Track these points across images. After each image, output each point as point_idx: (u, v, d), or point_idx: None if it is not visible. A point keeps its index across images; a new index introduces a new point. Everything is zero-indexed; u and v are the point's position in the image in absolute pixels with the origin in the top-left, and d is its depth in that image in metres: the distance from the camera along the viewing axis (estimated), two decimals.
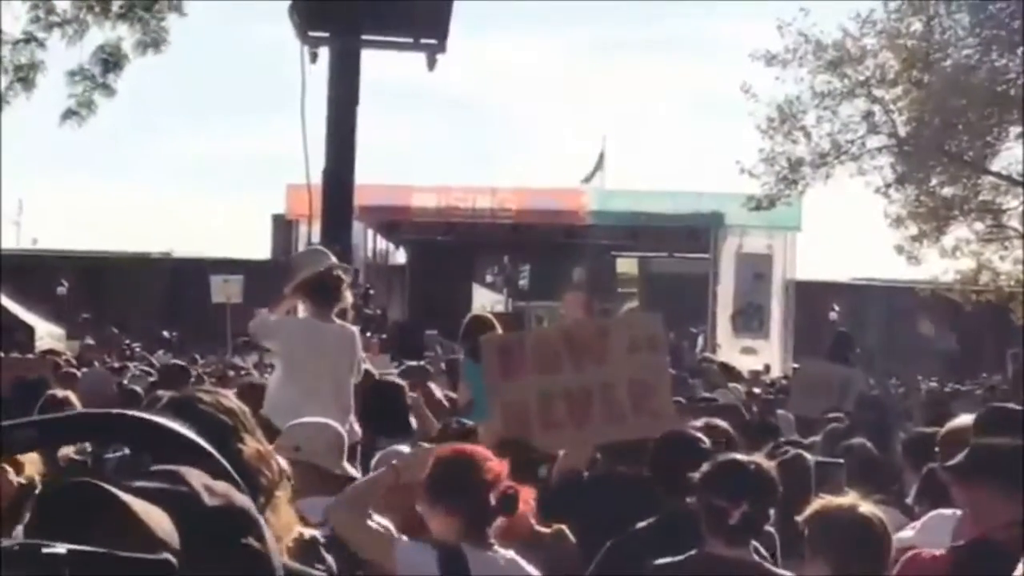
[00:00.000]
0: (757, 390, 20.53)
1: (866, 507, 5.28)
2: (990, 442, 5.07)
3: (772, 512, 5.74)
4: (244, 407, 3.85)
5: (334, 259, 9.94)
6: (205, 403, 3.71)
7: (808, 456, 7.47)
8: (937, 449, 6.11)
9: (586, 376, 7.87)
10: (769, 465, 5.96)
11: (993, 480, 4.98)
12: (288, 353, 9.63)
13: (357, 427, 9.17)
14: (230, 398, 3.90)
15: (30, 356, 20.59)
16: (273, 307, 9.89)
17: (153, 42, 21.17)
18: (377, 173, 36.48)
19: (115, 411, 2.14)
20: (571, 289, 38.26)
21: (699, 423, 7.77)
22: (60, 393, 9.18)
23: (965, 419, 5.88)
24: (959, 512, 5.61)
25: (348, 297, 9.94)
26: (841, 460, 7.14)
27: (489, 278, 47.23)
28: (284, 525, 3.94)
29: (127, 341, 31.97)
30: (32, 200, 58.83)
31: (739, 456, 6.00)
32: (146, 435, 2.06)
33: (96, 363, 20.63)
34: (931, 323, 43.58)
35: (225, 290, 29.55)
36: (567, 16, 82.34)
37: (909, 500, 7.65)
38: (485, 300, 44.40)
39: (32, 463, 5.60)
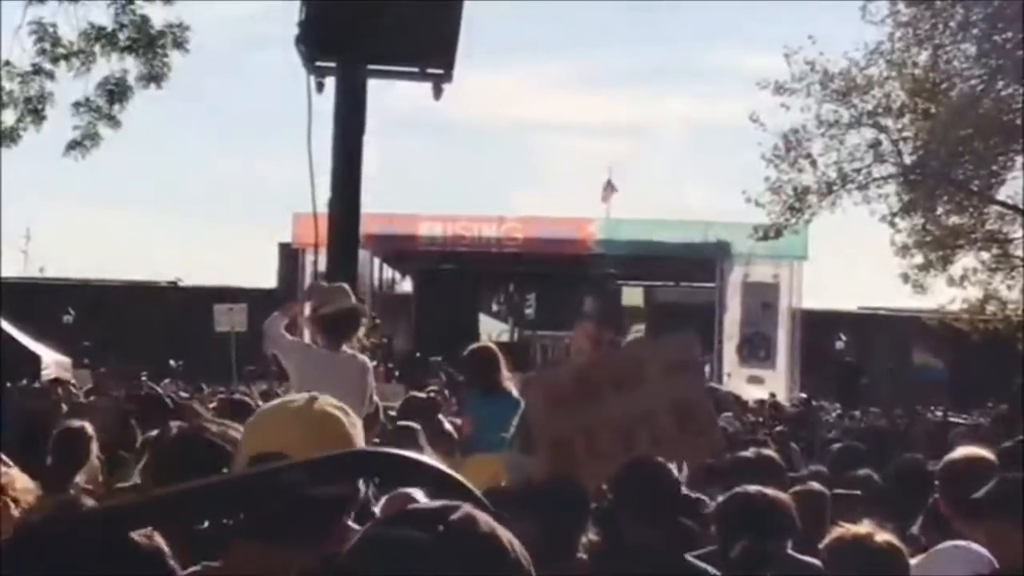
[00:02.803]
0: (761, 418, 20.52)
1: (883, 535, 5.27)
2: (1016, 478, 5.05)
3: (788, 545, 5.73)
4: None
5: (355, 300, 10.01)
6: (212, 434, 3.71)
7: (822, 488, 7.48)
8: (937, 481, 6.09)
9: (628, 404, 7.83)
10: (785, 498, 5.95)
11: (1017, 516, 4.95)
12: (299, 380, 9.64)
13: None
14: (237, 429, 3.89)
15: (36, 385, 20.60)
16: (284, 313, 9.98)
17: (155, 77, 21.28)
18: (384, 202, 36.53)
19: (382, 450, 2.20)
20: (579, 319, 38.32)
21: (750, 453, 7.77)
22: (76, 423, 9.14)
23: (964, 451, 5.87)
24: (972, 545, 5.59)
25: (359, 336, 10.02)
26: (859, 492, 7.14)
27: (495, 307, 47.19)
28: None
29: (139, 372, 31.94)
30: (39, 228, 58.83)
31: (753, 489, 5.99)
32: (416, 474, 2.11)
33: (102, 394, 20.61)
34: (923, 353, 43.49)
35: (229, 319, 29.53)
36: (573, 45, 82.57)
37: (914, 530, 7.63)
38: (491, 329, 44.33)
39: (27, 492, 5.55)
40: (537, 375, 9.31)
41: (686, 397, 7.92)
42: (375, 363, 23.03)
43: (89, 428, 8.85)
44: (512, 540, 2.00)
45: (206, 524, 2.20)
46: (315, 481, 2.24)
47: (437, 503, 2.01)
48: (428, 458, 2.21)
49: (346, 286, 10.39)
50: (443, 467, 2.17)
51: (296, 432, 3.29)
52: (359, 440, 3.34)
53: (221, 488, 2.19)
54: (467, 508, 1.99)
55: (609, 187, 46.21)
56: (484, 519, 1.99)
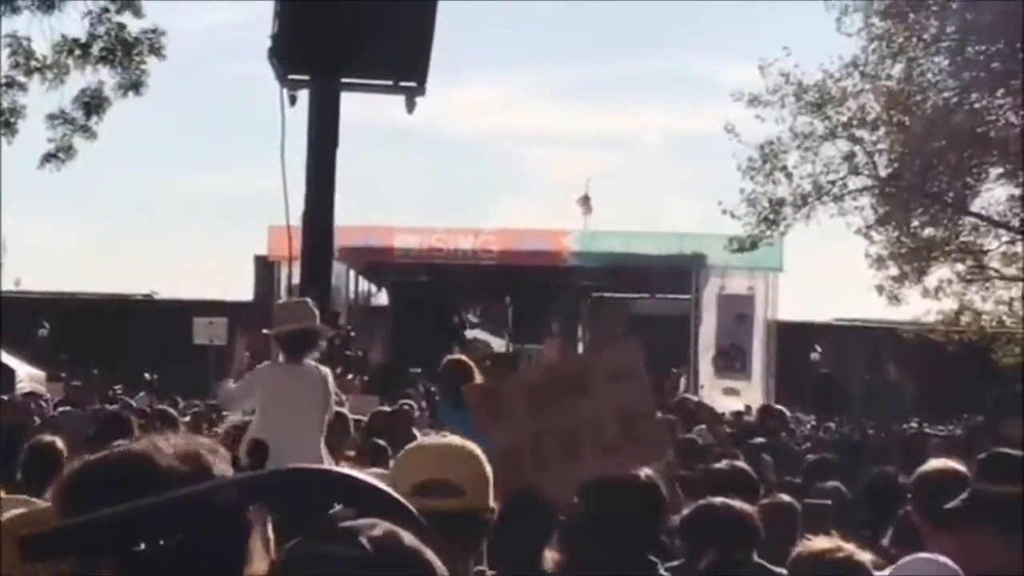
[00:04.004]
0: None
1: (845, 550, 5.28)
2: (991, 488, 5.06)
3: (754, 555, 5.74)
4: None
5: (317, 315, 10.07)
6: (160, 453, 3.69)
7: (792, 500, 7.49)
8: (910, 494, 6.11)
9: (572, 412, 7.82)
10: (749, 509, 5.96)
11: (991, 524, 4.97)
12: (264, 396, 9.71)
13: (328, 461, 9.25)
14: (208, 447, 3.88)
15: (9, 398, 20.49)
16: (232, 373, 10.19)
17: (133, 85, 21.28)
18: (359, 214, 36.53)
19: (317, 468, 2.19)
20: (550, 334, 38.30)
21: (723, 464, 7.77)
22: (47, 438, 9.12)
23: (937, 463, 5.89)
24: (940, 557, 5.59)
25: (321, 346, 10.15)
26: (828, 501, 7.15)
27: (472, 319, 47.11)
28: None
29: (109, 384, 31.84)
30: (14, 241, 58.63)
31: (716, 500, 6.00)
32: (348, 492, 2.10)
33: (75, 407, 20.52)
34: (893, 366, 43.57)
35: (209, 332, 29.52)
36: (550, 56, 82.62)
37: (885, 542, 7.65)
38: (494, 343, 44.15)
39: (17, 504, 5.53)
40: (475, 386, 9.28)
41: (630, 405, 7.90)
42: (351, 376, 23.03)
43: (60, 443, 8.83)
44: (436, 559, 2.02)
45: (142, 546, 2.20)
46: (248, 500, 2.24)
47: (362, 520, 2.02)
48: (360, 474, 2.20)
49: (309, 302, 10.43)
50: (377, 483, 2.17)
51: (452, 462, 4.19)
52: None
53: (155, 508, 2.18)
54: (389, 525, 2.00)
55: (584, 199, 46.25)
56: (408, 536, 2.00)
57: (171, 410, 15.23)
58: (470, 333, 44.58)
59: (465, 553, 4.25)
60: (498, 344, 43.97)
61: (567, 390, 7.92)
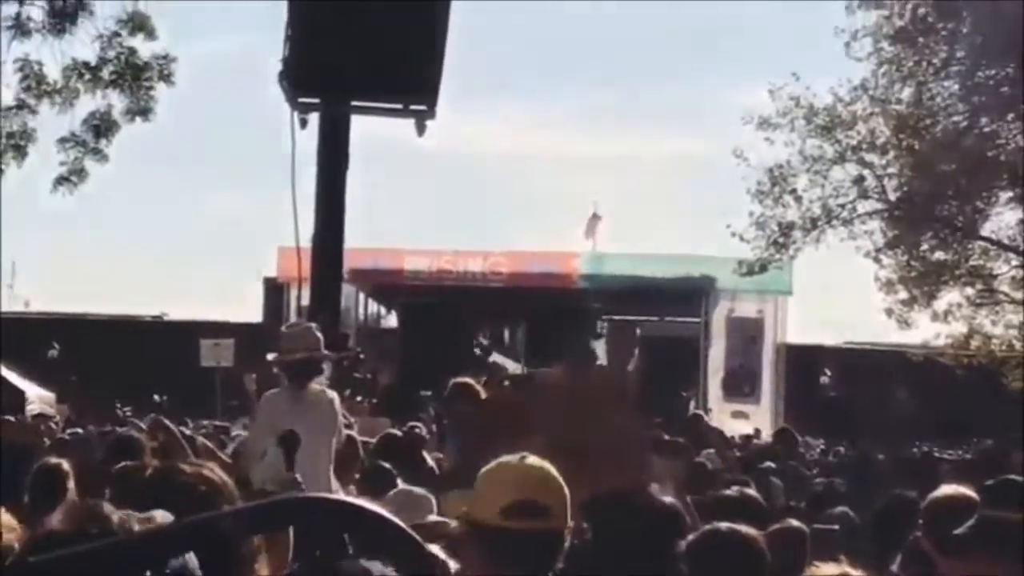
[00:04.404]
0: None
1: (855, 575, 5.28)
2: (998, 515, 5.05)
3: None
4: (227, 479, 3.87)
5: (321, 339, 10.09)
6: (187, 475, 3.73)
7: (801, 526, 7.48)
8: (920, 519, 6.10)
9: (559, 436, 7.82)
10: (756, 535, 5.94)
11: (998, 552, 4.96)
12: (268, 422, 9.75)
13: (336, 486, 9.28)
14: (213, 470, 3.92)
15: (17, 419, 20.52)
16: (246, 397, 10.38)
17: (142, 110, 21.34)
18: (369, 236, 36.52)
19: (318, 496, 2.20)
20: (560, 357, 38.15)
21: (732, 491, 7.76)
22: (52, 461, 9.12)
23: (948, 489, 5.88)
24: None
25: (326, 370, 10.20)
26: (835, 527, 7.14)
27: (483, 341, 47.07)
28: None
29: (118, 405, 31.85)
30: (24, 263, 58.63)
31: (723, 526, 5.99)
32: (349, 519, 2.11)
33: (84, 428, 20.55)
34: (902, 390, 43.48)
35: (215, 354, 29.50)
36: (560, 81, 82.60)
37: (895, 567, 7.63)
38: (509, 365, 44.06)
39: (10, 528, 5.54)
40: (466, 410, 9.30)
41: (617, 426, 7.91)
42: (360, 398, 23.03)
43: (65, 465, 8.82)
44: None
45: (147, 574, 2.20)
46: (254, 529, 2.25)
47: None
48: (368, 503, 2.21)
49: (313, 326, 10.45)
50: (384, 513, 2.18)
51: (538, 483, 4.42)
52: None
53: (160, 536, 2.19)
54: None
55: (594, 221, 46.24)
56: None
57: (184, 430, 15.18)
58: (493, 357, 44.57)
59: (545, 571, 4.34)
60: (514, 367, 43.93)
61: (555, 416, 7.94)
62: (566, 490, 4.61)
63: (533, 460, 4.69)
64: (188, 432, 17.32)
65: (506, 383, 26.18)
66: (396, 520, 2.17)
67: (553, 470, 4.66)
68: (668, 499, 6.42)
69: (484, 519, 4.46)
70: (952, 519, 5.27)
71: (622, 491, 7.04)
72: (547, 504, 4.46)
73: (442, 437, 14.78)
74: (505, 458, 4.82)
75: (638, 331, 45.74)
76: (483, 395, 10.45)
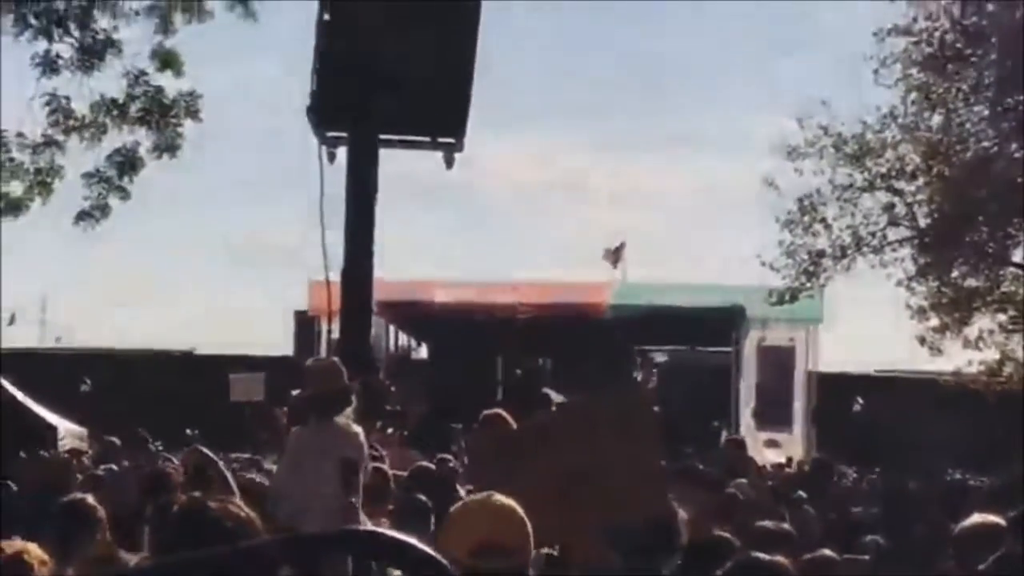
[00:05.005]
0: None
1: None
2: (1019, 550, 5.04)
3: None
4: (252, 514, 3.88)
5: (344, 374, 10.09)
6: (213, 511, 3.74)
7: (833, 555, 7.45)
8: (951, 548, 6.08)
9: (579, 463, 7.79)
10: (786, 564, 5.92)
11: None
12: (290, 457, 9.78)
13: (364, 520, 9.27)
14: (240, 506, 3.93)
15: (51, 455, 20.58)
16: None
17: (169, 147, 21.42)
18: (399, 268, 36.60)
19: (366, 529, 2.21)
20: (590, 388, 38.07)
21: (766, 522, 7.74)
22: (79, 496, 9.14)
23: (978, 518, 5.85)
24: None
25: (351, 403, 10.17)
26: (867, 557, 7.11)
27: (516, 372, 47.01)
28: None
29: (150, 439, 31.90)
30: (56, 298, 58.88)
31: (755, 555, 5.97)
32: (393, 552, 2.13)
33: (117, 464, 20.57)
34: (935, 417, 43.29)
35: (245, 388, 29.50)
36: (586, 111, 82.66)
37: None
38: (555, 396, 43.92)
39: (43, 563, 5.58)
40: (481, 435, 9.29)
41: (638, 460, 7.86)
42: (391, 430, 23.03)
43: (91, 500, 8.83)
44: None
45: None
46: (301, 558, 2.26)
47: None
48: (411, 538, 2.22)
49: (337, 361, 10.46)
50: (426, 548, 2.18)
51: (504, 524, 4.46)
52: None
53: (209, 563, 2.20)
54: None
55: (620, 251, 46.25)
56: None
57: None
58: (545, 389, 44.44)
59: None
60: (557, 398, 43.77)
61: (570, 439, 7.91)
62: (528, 527, 4.79)
63: (499, 500, 4.84)
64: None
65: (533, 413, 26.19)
66: (433, 553, 2.18)
67: (518, 509, 4.81)
68: (700, 529, 6.42)
69: (454, 558, 4.55)
70: (980, 549, 5.26)
71: (652, 520, 7.04)
72: (512, 544, 4.66)
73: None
74: (473, 498, 5.09)
75: (654, 359, 45.78)
76: (514, 426, 10.41)
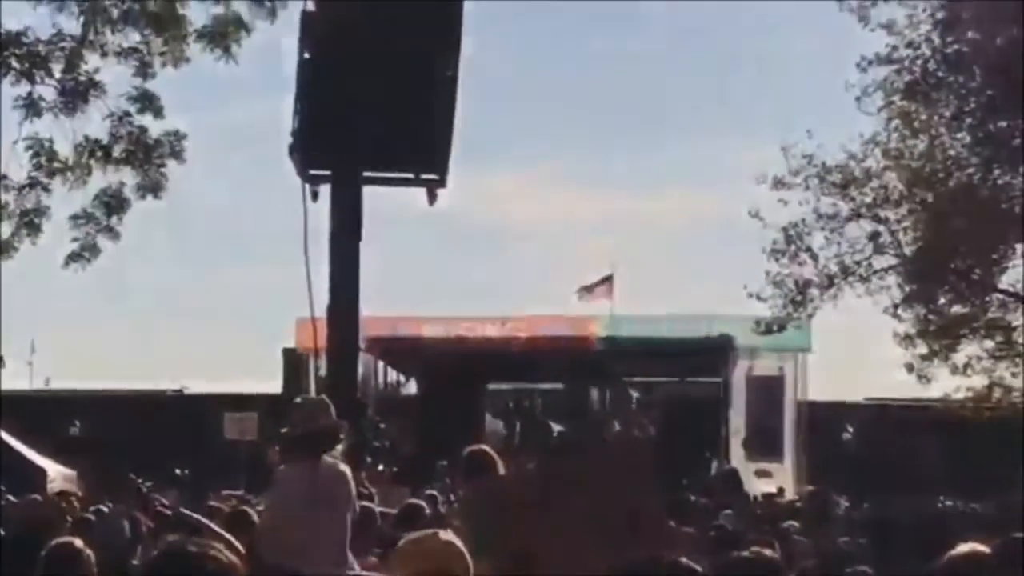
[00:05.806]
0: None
1: None
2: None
3: None
4: (235, 560, 3.87)
5: (332, 411, 10.06)
6: (193, 555, 3.74)
7: None
8: None
9: (578, 507, 7.80)
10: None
11: None
12: (276, 496, 9.75)
13: (351, 559, 9.27)
14: (220, 549, 3.92)
15: (38, 498, 20.47)
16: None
17: (153, 187, 21.45)
18: (386, 304, 36.57)
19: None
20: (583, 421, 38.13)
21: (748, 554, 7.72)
22: (65, 540, 9.09)
23: (965, 548, 5.86)
24: None
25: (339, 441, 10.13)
26: None
27: (504, 407, 46.97)
28: None
29: (139, 480, 31.83)
30: (44, 340, 58.77)
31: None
32: None
33: (105, 505, 20.52)
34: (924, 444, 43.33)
35: (239, 427, 29.52)
36: (571, 143, 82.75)
37: None
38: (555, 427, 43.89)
39: None
40: (480, 484, 9.26)
41: (637, 501, 7.87)
42: (380, 467, 23.02)
43: (79, 543, 8.79)
44: None
45: None
46: None
47: None
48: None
49: (324, 399, 10.44)
50: None
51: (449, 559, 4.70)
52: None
53: None
54: None
55: (607, 284, 46.29)
56: None
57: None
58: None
59: None
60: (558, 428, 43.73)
61: (571, 486, 7.91)
62: (469, 561, 4.97)
63: (443, 535, 5.08)
64: (214, 504, 17.38)
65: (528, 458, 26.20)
66: None
67: (459, 543, 5.06)
68: (692, 564, 6.40)
69: None
70: None
71: (650, 560, 7.03)
72: None
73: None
74: (418, 534, 5.27)
75: (633, 394, 45.76)
76: (499, 464, 10.39)
